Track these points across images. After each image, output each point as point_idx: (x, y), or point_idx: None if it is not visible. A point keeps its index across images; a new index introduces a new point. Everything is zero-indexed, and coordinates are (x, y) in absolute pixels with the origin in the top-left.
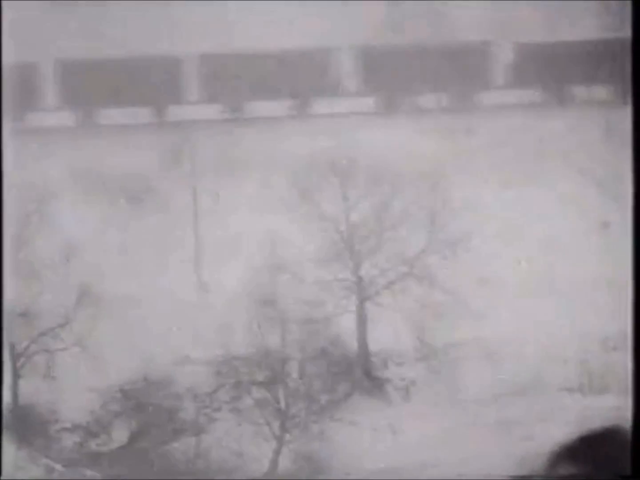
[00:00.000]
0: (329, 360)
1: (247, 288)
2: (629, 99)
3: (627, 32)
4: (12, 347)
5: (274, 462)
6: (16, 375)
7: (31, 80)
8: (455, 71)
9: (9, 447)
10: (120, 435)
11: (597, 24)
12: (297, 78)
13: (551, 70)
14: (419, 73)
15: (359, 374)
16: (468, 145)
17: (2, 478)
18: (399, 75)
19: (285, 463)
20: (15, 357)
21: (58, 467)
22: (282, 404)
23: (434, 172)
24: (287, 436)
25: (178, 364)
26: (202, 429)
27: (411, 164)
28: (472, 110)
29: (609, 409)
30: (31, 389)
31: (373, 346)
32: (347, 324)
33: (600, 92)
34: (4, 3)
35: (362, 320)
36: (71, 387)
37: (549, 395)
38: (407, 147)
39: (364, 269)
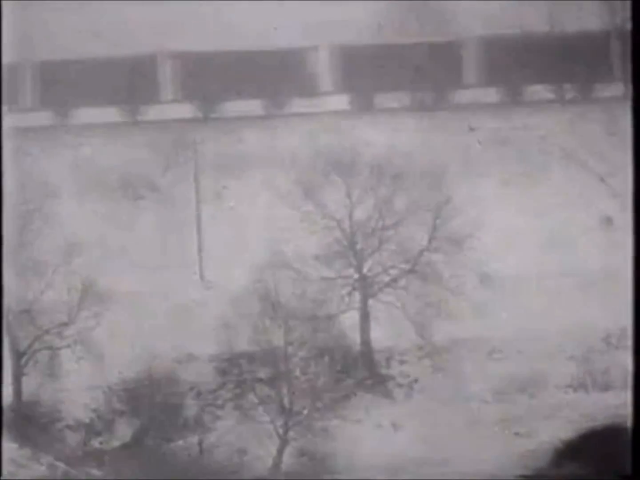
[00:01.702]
0: (332, 358)
1: (250, 286)
2: (630, 96)
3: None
4: (16, 345)
5: (278, 460)
6: (19, 373)
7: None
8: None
9: (11, 446)
10: (123, 433)
11: (599, 21)
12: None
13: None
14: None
15: (362, 372)
16: (470, 142)
17: (2, 478)
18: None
19: (288, 460)
20: (18, 355)
21: (61, 465)
22: (286, 402)
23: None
24: (291, 434)
25: (181, 361)
26: (205, 426)
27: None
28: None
29: (612, 407)
30: (34, 386)
31: (376, 344)
32: (350, 322)
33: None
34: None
35: (365, 318)
36: (74, 385)
37: (552, 393)
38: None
39: (367, 267)
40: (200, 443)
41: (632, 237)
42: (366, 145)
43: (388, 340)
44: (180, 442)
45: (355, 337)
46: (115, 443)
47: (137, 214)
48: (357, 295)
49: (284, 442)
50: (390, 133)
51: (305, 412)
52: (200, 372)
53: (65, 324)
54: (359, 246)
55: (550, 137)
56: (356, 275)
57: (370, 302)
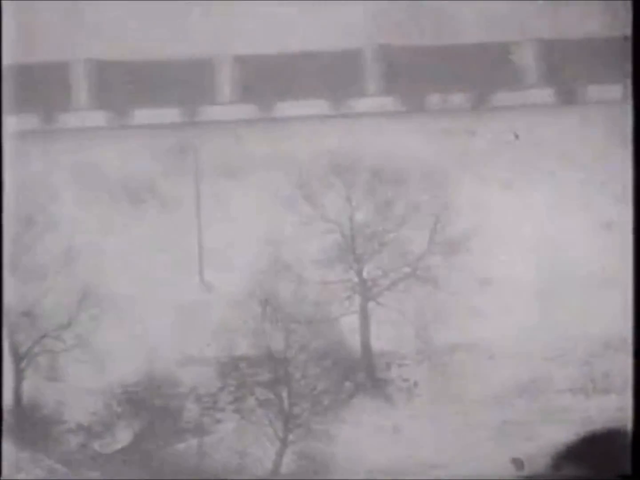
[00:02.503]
0: (332, 361)
1: (250, 289)
2: (630, 98)
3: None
4: (15, 348)
5: (278, 463)
6: (19, 377)
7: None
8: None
9: (10, 449)
10: (123, 436)
11: (599, 23)
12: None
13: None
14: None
15: (362, 375)
16: (470, 146)
17: (2, 478)
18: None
19: (288, 464)
20: (18, 359)
21: (61, 468)
22: (286, 405)
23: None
24: (291, 437)
25: (181, 364)
26: (205, 429)
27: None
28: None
29: (612, 410)
30: (34, 390)
31: (376, 347)
32: (350, 325)
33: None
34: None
35: (365, 321)
36: (74, 388)
37: (552, 396)
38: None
39: (367, 270)
40: (200, 446)
41: (633, 240)
42: (366, 148)
43: (388, 343)
44: (180, 445)
45: (355, 341)
46: (116, 446)
47: (137, 218)
48: (357, 299)
49: (283, 444)
50: (389, 136)
51: (305, 415)
52: (200, 375)
53: (65, 327)
54: (359, 250)
55: (550, 140)
56: (356, 279)
57: (370, 305)
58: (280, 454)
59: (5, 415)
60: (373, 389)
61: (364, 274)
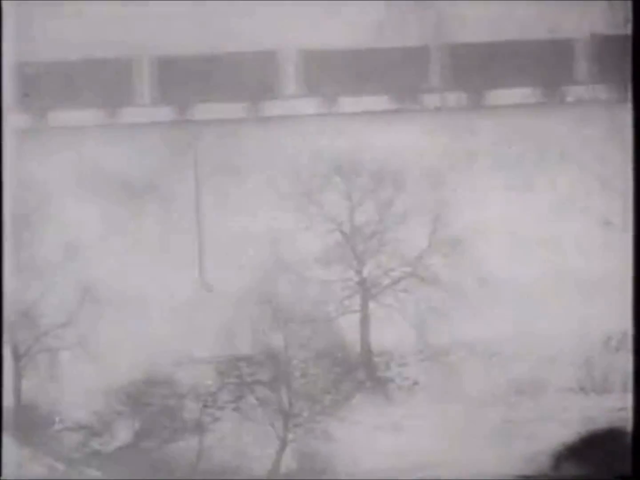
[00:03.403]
0: (332, 360)
1: (250, 288)
2: (630, 97)
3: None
4: (15, 347)
5: (277, 462)
6: (19, 375)
7: None
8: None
9: (11, 447)
10: (123, 434)
11: (599, 22)
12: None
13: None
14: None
15: (362, 374)
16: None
17: (2, 478)
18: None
19: (288, 462)
20: (17, 357)
21: (60, 466)
22: (285, 404)
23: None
24: (290, 436)
25: (181, 363)
26: (205, 428)
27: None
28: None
29: (612, 410)
30: (34, 388)
31: (376, 346)
32: (350, 324)
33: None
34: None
35: (365, 320)
36: (73, 387)
37: (552, 395)
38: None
39: (367, 269)
40: (199, 445)
41: (633, 239)
42: (367, 148)
43: (388, 342)
44: (180, 444)
45: (355, 340)
46: (115, 444)
47: (137, 216)
48: (357, 298)
49: (283, 444)
50: (390, 135)
51: (304, 414)
52: (200, 374)
53: (65, 326)
54: (359, 249)
55: (550, 139)
56: (356, 278)
57: (371, 304)
58: (280, 453)
59: (5, 414)
60: (373, 388)
61: (364, 273)
